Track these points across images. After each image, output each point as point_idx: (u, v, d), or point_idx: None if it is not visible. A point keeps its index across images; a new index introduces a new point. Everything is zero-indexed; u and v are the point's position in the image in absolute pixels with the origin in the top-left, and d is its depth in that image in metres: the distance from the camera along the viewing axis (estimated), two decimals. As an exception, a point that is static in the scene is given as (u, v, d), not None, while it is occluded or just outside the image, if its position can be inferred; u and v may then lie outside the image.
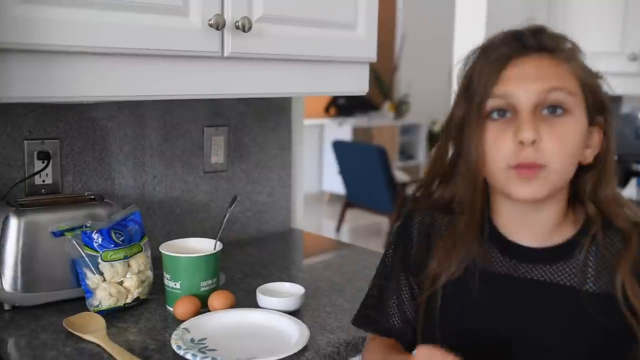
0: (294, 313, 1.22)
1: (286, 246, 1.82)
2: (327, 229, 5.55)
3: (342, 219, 5.30)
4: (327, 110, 6.81)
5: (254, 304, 1.25)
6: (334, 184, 6.26)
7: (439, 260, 0.87)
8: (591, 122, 0.82)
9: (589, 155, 0.83)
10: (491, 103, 0.80)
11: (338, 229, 5.29)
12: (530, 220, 0.84)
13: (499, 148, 0.78)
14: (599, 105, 0.82)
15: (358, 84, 1.56)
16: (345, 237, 5.23)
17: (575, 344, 0.81)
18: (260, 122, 1.81)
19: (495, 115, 0.80)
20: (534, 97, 0.78)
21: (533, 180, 0.77)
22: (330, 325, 1.20)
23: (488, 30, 2.78)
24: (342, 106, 6.76)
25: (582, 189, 0.85)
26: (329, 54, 1.45)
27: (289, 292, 1.29)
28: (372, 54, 1.54)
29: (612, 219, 0.83)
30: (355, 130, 6.58)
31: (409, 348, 0.93)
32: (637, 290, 0.78)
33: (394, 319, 0.94)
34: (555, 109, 0.78)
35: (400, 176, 5.07)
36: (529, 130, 0.76)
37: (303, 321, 1.16)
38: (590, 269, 0.82)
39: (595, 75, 0.82)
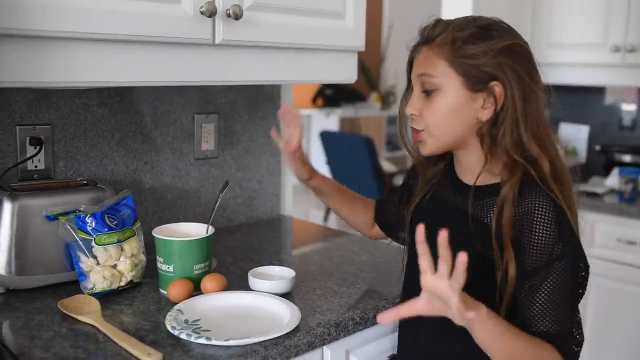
0: (285, 295, 1.24)
1: (276, 232, 1.84)
2: (314, 218, 5.57)
3: (329, 208, 5.32)
4: (314, 101, 6.82)
5: (246, 287, 1.27)
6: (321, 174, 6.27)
7: (419, 186, 1.19)
8: (478, 89, 1.01)
9: (484, 115, 1.02)
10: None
11: (325, 218, 5.32)
12: (462, 165, 1.10)
13: None
14: (481, 75, 1.00)
15: (346, 73, 1.59)
16: (332, 226, 5.24)
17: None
18: (250, 111, 1.83)
19: (411, 90, 1.10)
20: (416, 81, 1.06)
21: (421, 142, 1.08)
22: (321, 307, 1.23)
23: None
24: (329, 97, 6.77)
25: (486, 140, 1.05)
26: (318, 42, 1.47)
27: (279, 275, 1.31)
28: (360, 43, 1.56)
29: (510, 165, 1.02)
30: (343, 121, 6.60)
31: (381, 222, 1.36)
32: (501, 229, 0.99)
33: (389, 201, 1.34)
34: (427, 89, 1.04)
35: (387, 166, 5.11)
36: (409, 107, 1.07)
37: (294, 303, 1.19)
38: (492, 207, 1.03)
39: (472, 55, 1.00)
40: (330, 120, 6.56)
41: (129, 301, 1.23)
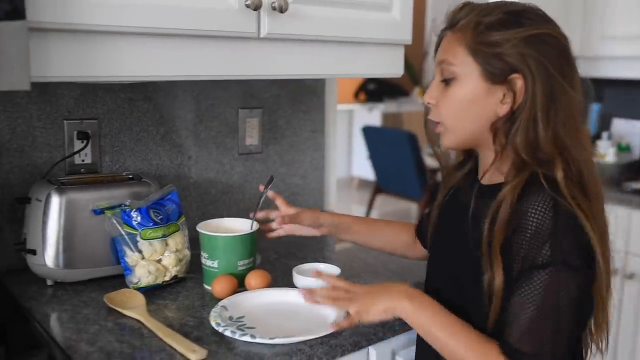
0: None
1: (319, 228, 1.82)
2: (356, 213, 5.53)
3: (371, 204, 5.28)
4: (356, 95, 6.78)
5: (290, 284, 1.26)
6: (363, 169, 6.24)
7: (442, 187, 1.13)
8: (499, 81, 0.93)
9: (502, 110, 0.94)
10: None
11: (367, 214, 5.28)
12: (481, 164, 1.03)
13: None
14: (502, 66, 0.92)
15: (392, 67, 1.55)
16: (374, 222, 5.20)
17: (456, 261, 1.01)
18: (293, 105, 1.81)
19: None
20: (436, 68, 0.99)
21: (441, 134, 1.01)
22: (366, 305, 1.20)
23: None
24: (371, 91, 6.72)
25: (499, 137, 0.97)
26: (363, 35, 1.44)
27: (324, 272, 1.29)
28: (407, 36, 1.53)
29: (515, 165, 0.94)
30: (385, 116, 6.54)
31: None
32: (492, 232, 0.90)
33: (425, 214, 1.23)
34: (446, 78, 0.97)
35: (430, 162, 5.03)
36: (426, 95, 1.00)
37: (339, 301, 1.16)
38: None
39: (494, 43, 0.92)
40: (372, 115, 6.50)
41: (174, 296, 1.23)
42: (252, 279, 1.22)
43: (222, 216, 1.53)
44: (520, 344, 0.87)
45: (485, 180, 1.00)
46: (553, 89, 0.92)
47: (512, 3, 0.97)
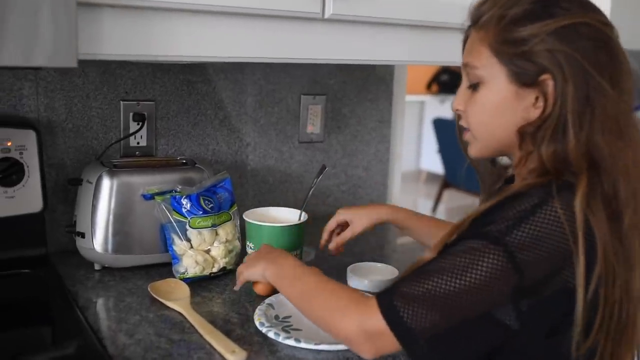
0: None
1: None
2: (423, 208, 5.41)
3: (439, 198, 5.14)
4: (428, 86, 6.60)
5: (344, 283, 1.17)
6: (432, 162, 6.08)
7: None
8: (529, 83, 0.81)
9: (533, 114, 0.82)
10: None
11: (434, 208, 5.14)
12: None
13: None
14: (530, 66, 0.80)
15: (468, 54, 1.43)
16: (441, 217, 5.06)
17: None
18: (359, 93, 1.72)
19: None
20: (462, 71, 0.89)
21: (469, 143, 0.92)
22: (424, 312, 1.10)
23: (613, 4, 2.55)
24: (444, 83, 6.52)
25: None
26: (438, 19, 1.33)
27: (381, 273, 1.21)
28: (485, 21, 1.40)
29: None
30: (458, 109, 6.34)
31: None
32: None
33: None
34: (471, 82, 0.87)
35: (503, 158, 4.83)
36: (454, 101, 0.91)
37: (395, 306, 1.08)
38: None
39: (520, 40, 0.80)
40: (444, 107, 6.31)
41: (220, 289, 1.17)
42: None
43: (279, 205, 1.47)
44: (404, 300, 0.76)
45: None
46: (589, 90, 0.78)
47: None
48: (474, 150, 0.92)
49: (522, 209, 0.76)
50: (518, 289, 0.75)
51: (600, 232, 0.75)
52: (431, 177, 6.43)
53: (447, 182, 5.02)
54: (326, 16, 1.16)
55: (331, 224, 1.23)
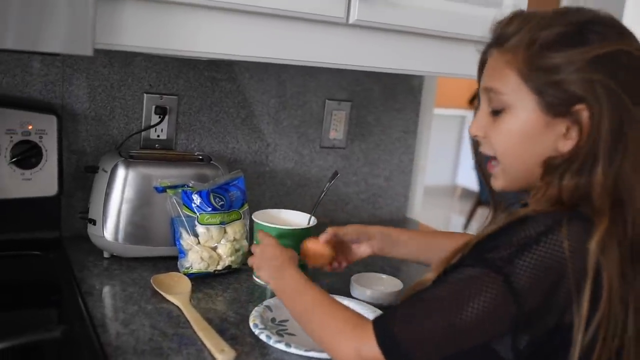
0: (387, 309, 1.11)
1: (397, 235, 1.71)
2: (454, 224, 5.34)
3: (471, 216, 5.06)
4: (471, 101, 6.51)
5: (347, 294, 1.16)
6: (469, 179, 6.00)
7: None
8: (561, 113, 0.76)
9: (565, 146, 0.77)
10: None
11: (466, 226, 5.06)
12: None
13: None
14: (563, 95, 0.75)
15: (497, 69, 1.40)
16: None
17: None
18: (386, 101, 1.70)
19: None
20: (482, 94, 0.84)
21: (493, 174, 0.85)
22: (425, 328, 1.08)
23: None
24: (488, 99, 6.43)
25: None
26: (467, 32, 1.30)
27: (384, 284, 1.19)
28: (517, 37, 1.37)
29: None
30: (499, 126, 6.24)
31: None
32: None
33: None
34: (494, 108, 0.82)
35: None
36: (471, 126, 0.86)
37: (395, 319, 1.05)
38: None
39: (553, 67, 0.75)
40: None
41: (223, 287, 1.17)
42: (310, 242, 1.10)
43: (295, 209, 1.47)
44: (400, 329, 0.74)
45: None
46: (623, 122, 0.73)
47: (576, 11, 0.79)
48: (500, 183, 0.85)
49: (526, 235, 0.72)
50: (516, 320, 0.72)
51: (609, 274, 0.71)
52: (466, 193, 6.33)
53: (481, 200, 4.94)
54: (350, 21, 1.15)
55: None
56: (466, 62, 1.33)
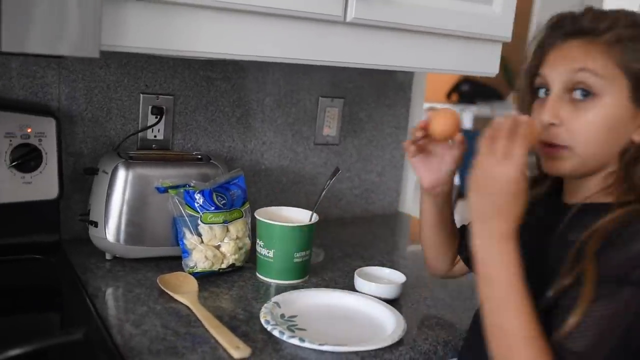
0: (391, 302, 1.13)
1: (391, 230, 1.73)
2: (435, 217, 5.39)
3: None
4: (448, 95, 6.58)
5: (351, 287, 1.18)
6: (448, 172, 6.06)
7: None
8: None
9: (638, 136, 0.82)
10: (537, 81, 0.88)
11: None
12: (575, 187, 0.88)
13: (535, 124, 0.82)
14: None
15: (487, 65, 1.44)
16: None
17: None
18: (378, 98, 1.72)
19: (541, 93, 0.88)
20: (561, 77, 0.83)
21: (557, 158, 0.84)
22: (430, 320, 1.11)
23: None
24: (464, 93, 6.50)
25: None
26: (460, 28, 1.33)
27: (388, 278, 1.21)
28: (506, 33, 1.41)
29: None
30: (477, 119, 6.31)
31: None
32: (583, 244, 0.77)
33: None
34: (583, 91, 0.81)
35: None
36: (547, 112, 0.83)
37: (401, 312, 1.08)
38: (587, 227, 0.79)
39: None
40: (463, 118, 6.30)
41: (228, 285, 1.18)
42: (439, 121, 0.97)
43: (291, 206, 1.48)
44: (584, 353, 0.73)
45: (576, 199, 0.87)
46: None
47: None
48: (569, 166, 0.84)
49: None
50: None
51: None
52: (446, 186, 6.40)
53: (462, 192, 5.00)
54: (348, 19, 1.17)
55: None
56: (455, 57, 1.37)
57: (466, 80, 6.31)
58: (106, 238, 1.21)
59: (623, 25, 0.82)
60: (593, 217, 0.79)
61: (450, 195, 1.07)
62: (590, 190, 0.86)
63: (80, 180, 1.33)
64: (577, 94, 0.82)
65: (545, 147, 0.84)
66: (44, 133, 1.20)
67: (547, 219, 0.89)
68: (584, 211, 0.84)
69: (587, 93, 0.81)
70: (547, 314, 0.78)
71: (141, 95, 1.38)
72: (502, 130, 0.78)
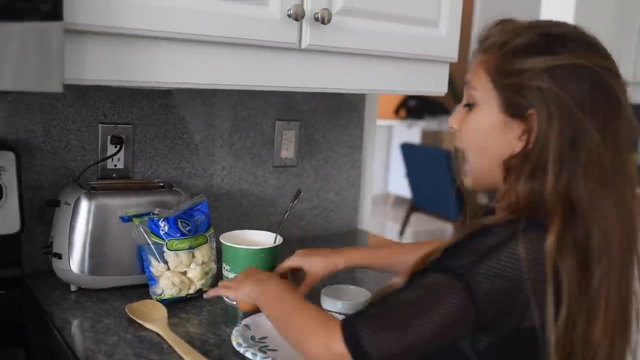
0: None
1: (351, 246, 1.77)
2: (390, 231, 5.48)
3: (406, 222, 5.21)
4: (396, 111, 6.72)
5: (318, 305, 1.21)
6: (400, 186, 6.17)
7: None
8: (517, 115, 0.82)
9: (517, 148, 0.83)
10: None
11: (402, 232, 5.20)
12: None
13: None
14: (520, 99, 0.82)
15: (437, 85, 1.50)
16: (408, 240, 5.13)
17: None
18: (332, 119, 1.77)
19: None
20: (464, 91, 0.90)
21: (464, 175, 0.92)
22: (395, 333, 1.14)
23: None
24: (412, 108, 6.65)
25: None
26: (408, 51, 1.39)
27: (354, 295, 1.24)
28: (453, 54, 1.48)
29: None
30: (425, 134, 6.46)
31: None
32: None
33: None
34: (470, 103, 0.89)
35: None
36: (450, 119, 0.93)
37: (367, 327, 1.11)
38: None
39: (516, 72, 0.81)
40: (412, 133, 6.43)
41: (197, 310, 1.19)
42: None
43: (253, 229, 1.50)
44: (365, 329, 0.78)
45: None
46: (575, 133, 0.78)
47: (554, 24, 0.84)
48: (468, 180, 0.92)
49: (487, 245, 0.77)
50: (474, 324, 0.77)
51: (567, 279, 0.75)
52: (399, 200, 6.51)
53: (414, 205, 5.10)
54: (302, 46, 1.21)
55: (284, 266, 1.20)
56: (406, 79, 1.43)
57: (413, 96, 6.45)
58: (71, 270, 1.21)
59: (507, 31, 0.84)
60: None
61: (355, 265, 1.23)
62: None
63: (41, 213, 1.32)
64: (467, 105, 0.90)
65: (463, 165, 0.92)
66: (3, 167, 1.20)
67: None
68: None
69: (472, 104, 0.88)
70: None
71: (100, 125, 1.38)
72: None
